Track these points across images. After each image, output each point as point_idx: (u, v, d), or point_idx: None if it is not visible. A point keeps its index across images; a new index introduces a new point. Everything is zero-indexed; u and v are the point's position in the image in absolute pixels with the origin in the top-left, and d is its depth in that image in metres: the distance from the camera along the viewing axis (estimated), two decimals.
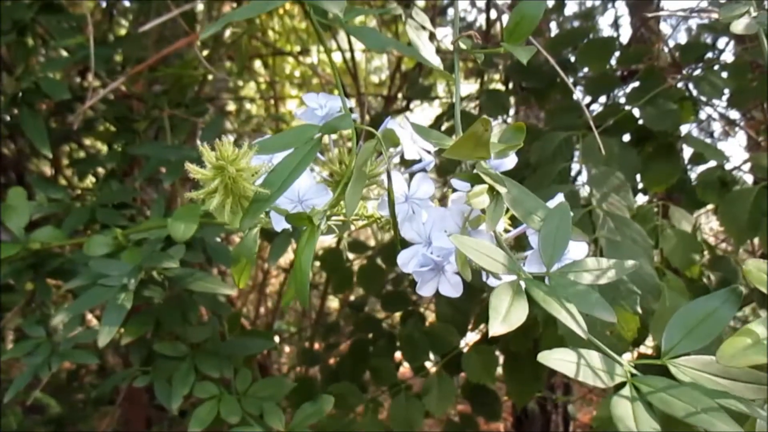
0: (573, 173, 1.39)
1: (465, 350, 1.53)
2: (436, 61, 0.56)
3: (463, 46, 0.56)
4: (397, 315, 1.74)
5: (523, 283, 0.45)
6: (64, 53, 1.38)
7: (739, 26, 0.60)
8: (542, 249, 0.47)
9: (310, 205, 0.49)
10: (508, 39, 0.53)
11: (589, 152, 1.23)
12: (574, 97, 1.50)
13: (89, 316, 1.85)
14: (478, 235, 0.49)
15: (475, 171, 0.49)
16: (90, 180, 1.89)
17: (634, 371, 0.46)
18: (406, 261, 0.50)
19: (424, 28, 0.59)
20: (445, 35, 2.15)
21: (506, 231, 0.54)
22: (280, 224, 0.49)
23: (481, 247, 0.45)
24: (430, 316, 1.88)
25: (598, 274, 0.47)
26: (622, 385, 0.46)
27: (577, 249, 0.51)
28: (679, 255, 1.23)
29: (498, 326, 0.42)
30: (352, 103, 0.58)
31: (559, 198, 0.53)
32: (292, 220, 0.48)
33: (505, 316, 0.43)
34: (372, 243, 1.96)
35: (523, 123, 0.49)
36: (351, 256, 1.84)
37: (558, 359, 0.45)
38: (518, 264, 0.47)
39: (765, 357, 0.43)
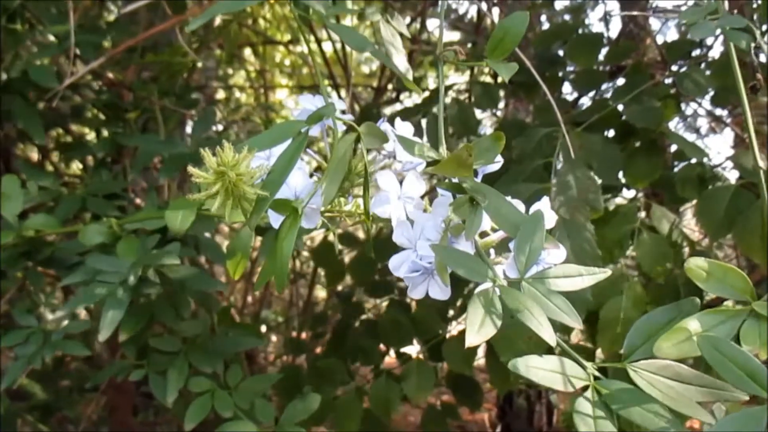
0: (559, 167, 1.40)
1: (448, 337, 1.55)
2: (405, 68, 0.58)
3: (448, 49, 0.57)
4: (384, 304, 1.76)
5: (497, 290, 0.47)
6: (52, 38, 1.37)
7: (698, 32, 0.61)
8: (516, 255, 0.49)
9: None
10: (490, 55, 0.54)
11: (568, 150, 1.25)
12: (551, 98, 1.51)
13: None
14: (458, 242, 0.51)
15: (456, 181, 0.51)
16: (77, 166, 1.88)
17: (597, 374, 0.48)
18: (398, 266, 0.52)
19: (401, 35, 0.60)
20: (436, 26, 2.16)
21: (493, 230, 0.55)
22: (277, 221, 0.50)
23: (458, 256, 0.48)
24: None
25: (572, 280, 0.49)
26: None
27: (556, 254, 0.53)
28: (650, 261, 1.26)
29: (473, 337, 0.45)
30: (344, 100, 0.59)
31: (545, 201, 0.54)
32: (276, 208, 0.49)
33: (480, 326, 0.45)
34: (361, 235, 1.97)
35: (501, 132, 0.51)
36: (342, 248, 1.85)
37: (529, 366, 0.47)
38: (494, 271, 0.49)
39: (696, 351, 0.46)
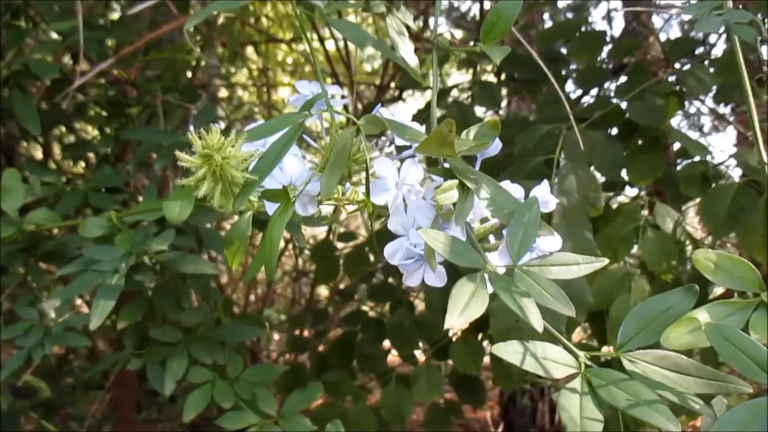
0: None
1: (453, 339, 1.55)
2: (413, 61, 0.58)
3: (444, 41, 0.57)
4: (387, 304, 1.76)
5: (487, 276, 0.46)
6: (55, 36, 1.37)
7: (702, 26, 0.61)
8: (509, 243, 0.47)
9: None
10: (484, 39, 0.54)
11: (570, 147, 1.24)
12: (560, 91, 1.51)
13: (78, 301, 1.85)
14: (449, 227, 0.50)
15: (446, 165, 0.50)
16: (80, 165, 1.89)
17: (589, 363, 0.47)
18: (392, 253, 0.51)
19: (407, 27, 0.59)
20: (439, 25, 2.15)
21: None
22: (273, 210, 0.50)
23: (447, 241, 0.46)
24: (419, 305, 1.90)
25: (567, 268, 0.48)
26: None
27: (551, 242, 0.51)
28: (655, 259, 1.25)
29: (454, 319, 0.43)
30: (344, 92, 0.59)
31: (544, 186, 0.53)
32: (268, 196, 0.49)
33: (463, 309, 0.44)
34: (363, 233, 1.97)
35: (497, 120, 0.50)
36: (340, 245, 1.85)
37: (513, 352, 0.46)
38: (484, 257, 0.47)
39: (705, 341, 0.44)
